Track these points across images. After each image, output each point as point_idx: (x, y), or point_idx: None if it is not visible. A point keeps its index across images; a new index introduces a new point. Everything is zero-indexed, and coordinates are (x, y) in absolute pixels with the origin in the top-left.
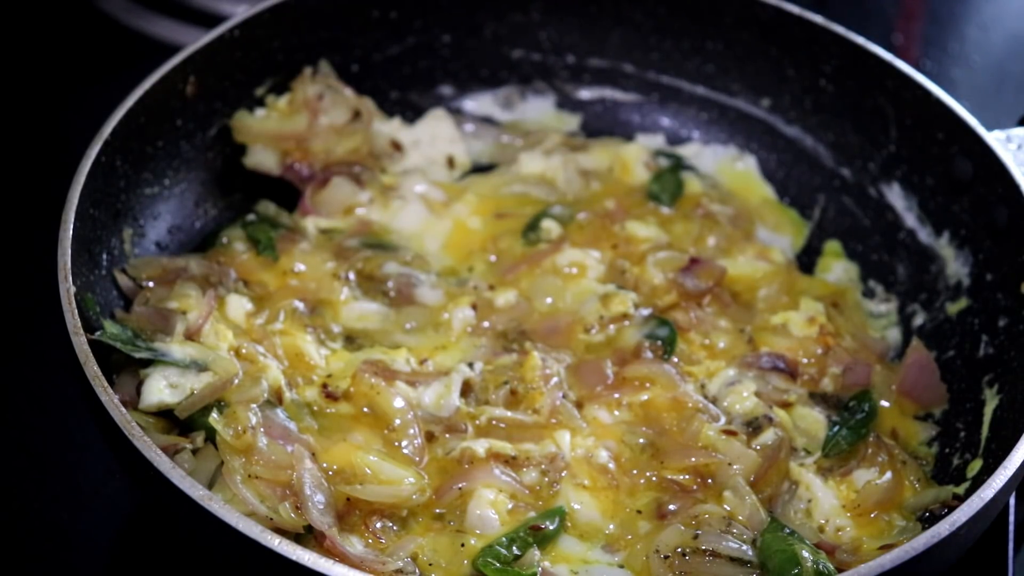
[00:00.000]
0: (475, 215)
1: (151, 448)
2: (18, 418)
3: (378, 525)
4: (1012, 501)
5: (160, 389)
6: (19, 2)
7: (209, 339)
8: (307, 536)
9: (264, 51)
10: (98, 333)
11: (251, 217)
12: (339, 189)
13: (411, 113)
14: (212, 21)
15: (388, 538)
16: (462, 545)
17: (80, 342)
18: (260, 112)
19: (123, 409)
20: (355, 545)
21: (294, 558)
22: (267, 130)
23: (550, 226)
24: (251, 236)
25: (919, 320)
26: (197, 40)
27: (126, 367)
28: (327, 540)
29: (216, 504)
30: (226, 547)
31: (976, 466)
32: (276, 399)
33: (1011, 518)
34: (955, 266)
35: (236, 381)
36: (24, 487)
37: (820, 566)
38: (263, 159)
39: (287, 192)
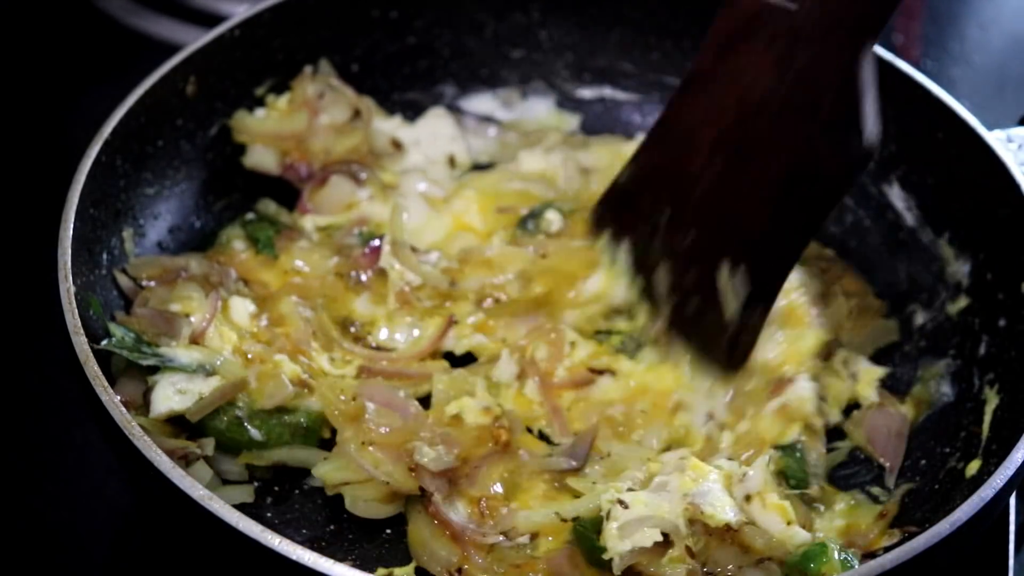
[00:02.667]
0: (476, 212)
1: (151, 448)
2: (18, 418)
3: (492, 489)
4: (1012, 501)
5: (169, 396)
6: (19, 2)
7: (213, 342)
8: (416, 499)
9: (264, 51)
10: (104, 342)
11: (250, 216)
12: (338, 188)
13: (411, 112)
14: (212, 21)
15: (494, 507)
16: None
17: (80, 342)
18: (260, 112)
19: (123, 409)
20: (460, 511)
21: (294, 558)
22: (267, 130)
23: (552, 217)
24: (250, 235)
25: (919, 320)
26: (197, 40)
27: (129, 370)
28: (432, 505)
29: (216, 504)
30: (226, 547)
31: (976, 466)
32: (304, 389)
33: (1011, 518)
34: (955, 266)
35: (252, 383)
36: (24, 487)
37: (845, 557)
38: (263, 158)
39: (287, 191)
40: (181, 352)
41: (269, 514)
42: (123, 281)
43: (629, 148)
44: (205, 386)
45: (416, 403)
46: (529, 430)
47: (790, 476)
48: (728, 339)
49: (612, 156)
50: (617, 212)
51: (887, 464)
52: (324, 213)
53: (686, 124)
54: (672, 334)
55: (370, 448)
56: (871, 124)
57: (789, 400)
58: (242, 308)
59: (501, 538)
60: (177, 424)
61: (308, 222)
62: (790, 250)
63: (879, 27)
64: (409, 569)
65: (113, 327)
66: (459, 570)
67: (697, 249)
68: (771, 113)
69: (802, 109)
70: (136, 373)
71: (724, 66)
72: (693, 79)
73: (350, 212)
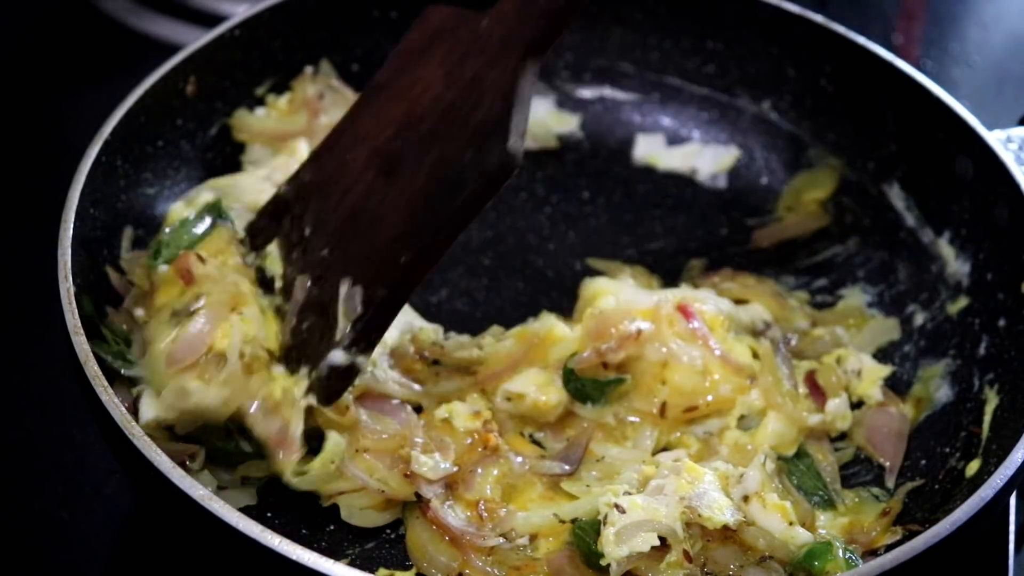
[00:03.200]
0: None
1: (151, 448)
2: (18, 418)
3: (488, 492)
4: (1012, 501)
5: (153, 404)
6: (19, 2)
7: None
8: (413, 505)
9: (264, 51)
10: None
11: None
12: None
13: None
14: (212, 21)
15: (492, 510)
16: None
17: (80, 342)
18: (260, 111)
19: (123, 409)
20: (458, 515)
21: (294, 558)
22: (267, 128)
23: None
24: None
25: (919, 320)
26: (197, 40)
27: (119, 378)
28: (430, 511)
29: (216, 504)
30: (226, 547)
31: (976, 466)
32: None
33: (1011, 518)
34: (955, 266)
35: (253, 410)
36: (24, 487)
37: (849, 555)
38: (260, 158)
39: None
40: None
41: (269, 514)
42: (115, 279)
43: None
44: None
45: (409, 408)
46: (521, 434)
47: (806, 490)
48: (323, 375)
49: None
50: (273, 223)
51: (887, 464)
52: None
53: (351, 137)
54: (290, 352)
55: (365, 455)
56: (516, 136)
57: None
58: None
59: (501, 540)
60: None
61: None
62: (410, 270)
63: (545, 49)
64: (410, 574)
65: (106, 330)
66: (460, 575)
67: (326, 265)
68: (430, 123)
69: (458, 118)
70: (124, 381)
71: (400, 80)
72: (369, 93)
73: None
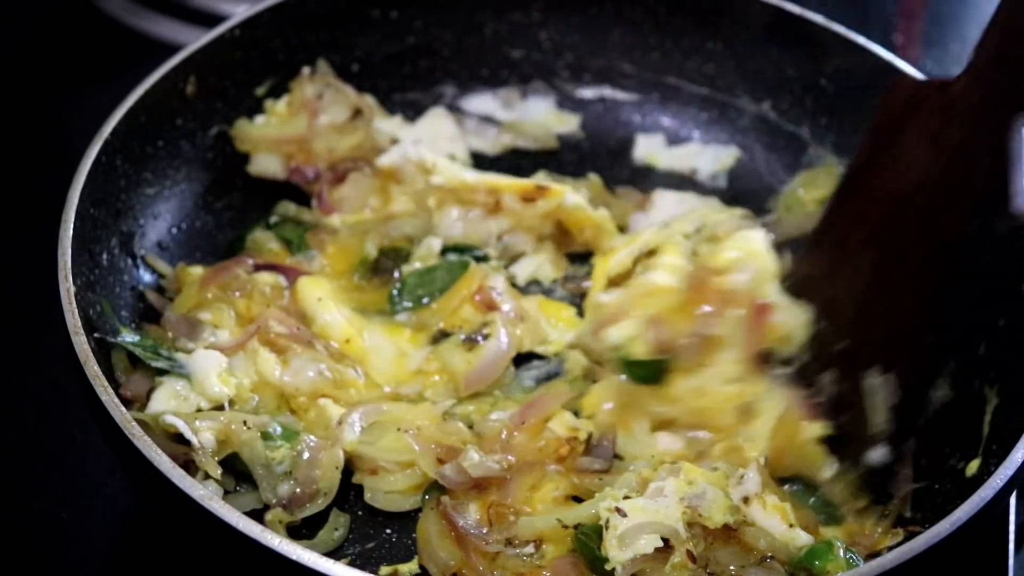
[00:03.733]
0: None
1: (151, 448)
2: (18, 418)
3: (510, 498)
4: (1012, 501)
5: (167, 399)
6: (19, 2)
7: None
8: (434, 495)
9: (264, 51)
10: (120, 338)
11: (274, 219)
12: (358, 185)
13: (411, 112)
14: (212, 21)
15: (501, 515)
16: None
17: (80, 342)
18: (260, 119)
19: (123, 409)
20: (470, 515)
21: (294, 558)
22: (268, 136)
23: None
24: (281, 237)
25: None
26: (197, 40)
27: (139, 366)
28: (441, 504)
29: (216, 504)
30: (226, 547)
31: (976, 466)
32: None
33: (1011, 518)
34: None
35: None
36: (24, 487)
37: (851, 556)
38: (267, 165)
39: (285, 191)
40: (193, 358)
41: None
42: (152, 298)
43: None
44: (202, 401)
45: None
46: None
47: (820, 513)
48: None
49: None
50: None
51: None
52: (348, 211)
53: (842, 222)
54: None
55: (407, 434)
56: (1021, 196)
57: None
58: (271, 362)
59: (503, 547)
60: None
61: (335, 220)
62: (936, 349)
63: None
64: (413, 565)
65: (125, 330)
66: (454, 575)
67: (849, 358)
68: (924, 198)
69: (953, 189)
70: (145, 370)
71: (880, 158)
72: (851, 175)
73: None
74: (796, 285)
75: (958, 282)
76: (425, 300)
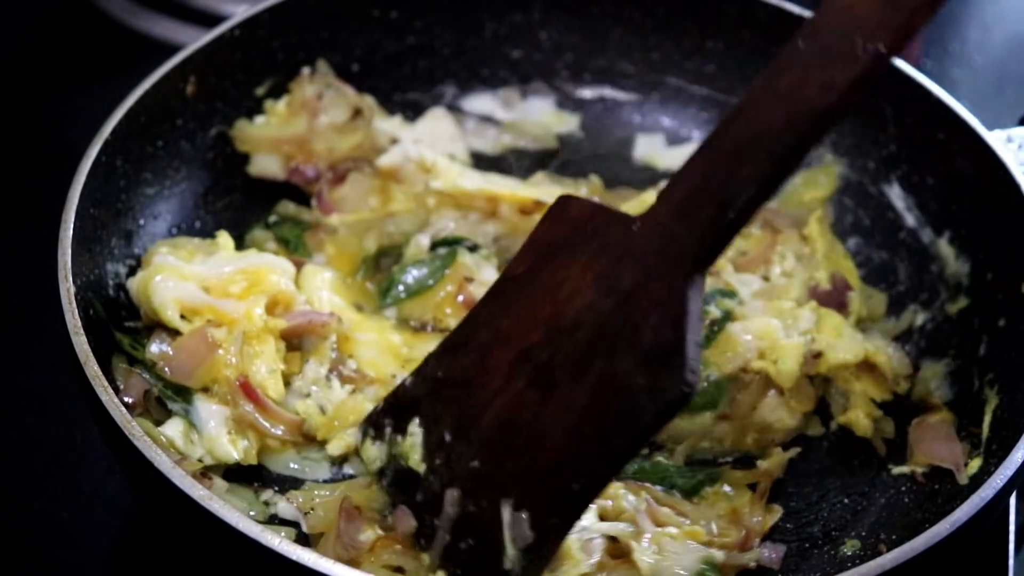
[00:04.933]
0: None
1: (151, 448)
2: (18, 418)
3: None
4: (1012, 501)
5: (175, 437)
6: (19, 2)
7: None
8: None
9: (264, 51)
10: (141, 371)
11: (273, 218)
12: (358, 184)
13: (411, 112)
14: (212, 21)
15: None
16: None
17: (80, 342)
18: (259, 119)
19: (123, 409)
20: None
21: (294, 558)
22: (268, 136)
23: None
24: (279, 236)
25: (919, 320)
26: (197, 40)
27: (139, 365)
28: None
29: (216, 504)
30: (226, 547)
31: (976, 466)
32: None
33: (1011, 518)
34: (955, 266)
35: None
36: (24, 487)
37: None
38: (267, 165)
39: (285, 191)
40: (197, 410)
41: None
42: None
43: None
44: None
45: None
46: None
47: None
48: None
49: None
50: (398, 421)
51: (953, 467)
52: (348, 210)
53: (488, 334)
54: (448, 570)
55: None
56: (692, 363)
57: None
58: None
59: None
60: None
61: (334, 220)
62: (581, 497)
63: (711, 261)
64: None
65: (120, 335)
66: None
67: (478, 479)
68: (586, 335)
69: (619, 335)
70: (143, 369)
71: (540, 277)
72: (504, 285)
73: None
74: (426, 386)
75: (614, 433)
76: (410, 294)
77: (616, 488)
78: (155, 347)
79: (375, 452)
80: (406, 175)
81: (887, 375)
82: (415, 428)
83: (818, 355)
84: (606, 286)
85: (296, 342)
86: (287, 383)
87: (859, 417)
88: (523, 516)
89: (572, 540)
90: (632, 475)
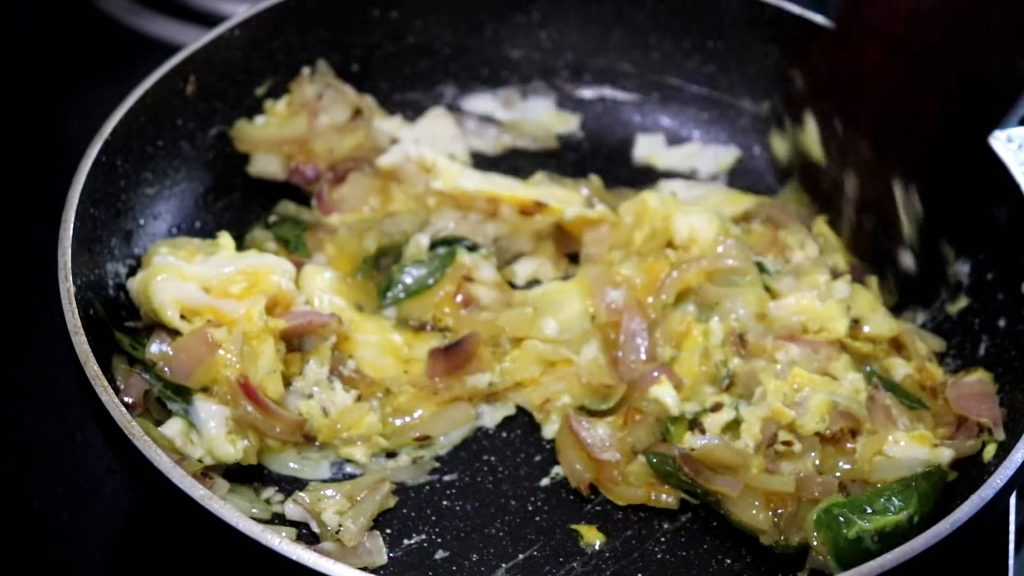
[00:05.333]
0: None
1: (151, 448)
2: (18, 418)
3: None
4: (1012, 501)
5: (174, 436)
6: (19, 2)
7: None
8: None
9: (264, 51)
10: (141, 371)
11: (273, 218)
12: (358, 184)
13: (411, 112)
14: (212, 21)
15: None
16: None
17: (80, 342)
18: (259, 119)
19: (123, 409)
20: (598, 431)
21: (294, 558)
22: (268, 136)
23: None
24: (279, 236)
25: (919, 320)
26: (197, 40)
27: (139, 365)
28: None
29: (216, 504)
30: (226, 547)
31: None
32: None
33: (1011, 518)
34: (955, 266)
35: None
36: (24, 487)
37: None
38: (266, 165)
39: (285, 191)
40: (196, 409)
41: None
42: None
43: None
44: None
45: None
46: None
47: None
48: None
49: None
50: (792, 112)
51: (989, 422)
52: (348, 210)
53: (859, 30)
54: (854, 246)
55: None
56: None
57: None
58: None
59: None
60: None
61: (334, 219)
62: (961, 169)
63: None
64: None
65: (119, 335)
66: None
67: (871, 165)
68: (942, 23)
69: (970, 21)
70: (142, 369)
71: None
72: None
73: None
74: (810, 82)
75: (975, 110)
76: (409, 294)
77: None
78: (155, 347)
79: (781, 146)
80: (406, 175)
81: (916, 354)
82: (809, 119)
83: (856, 322)
84: None
85: (296, 343)
86: (287, 384)
87: None
88: (912, 190)
89: (819, 401)
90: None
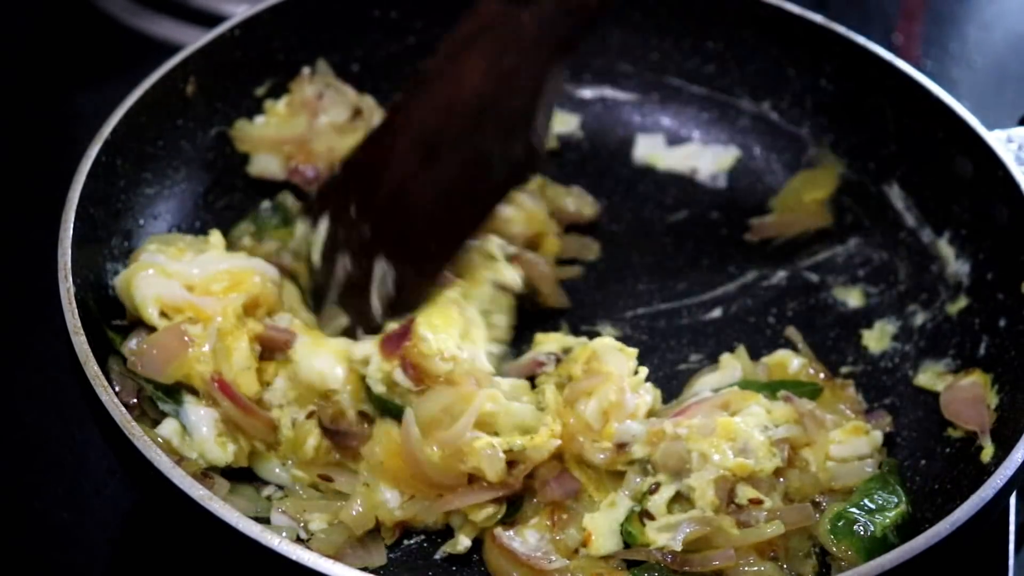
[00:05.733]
0: None
1: (151, 448)
2: (18, 418)
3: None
4: (1012, 501)
5: (170, 435)
6: (19, 2)
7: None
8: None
9: (264, 51)
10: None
11: (265, 205)
12: None
13: None
14: (212, 21)
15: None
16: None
17: (80, 342)
18: (260, 119)
19: (123, 409)
20: (528, 539)
21: (294, 558)
22: (268, 136)
23: None
24: (259, 227)
25: (919, 320)
26: (197, 40)
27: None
28: (496, 538)
29: (216, 504)
30: (226, 547)
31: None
32: None
33: (1011, 518)
34: (955, 266)
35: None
36: (24, 487)
37: None
38: (267, 165)
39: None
40: (186, 412)
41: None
42: None
43: None
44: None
45: None
46: None
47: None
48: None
49: None
50: (325, 202)
51: (977, 430)
52: None
53: (401, 120)
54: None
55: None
56: (539, 130)
57: None
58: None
59: (566, 562)
60: None
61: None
62: (437, 256)
63: (573, 47)
64: None
65: (111, 333)
66: None
67: (366, 244)
68: (470, 113)
69: (493, 110)
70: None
71: (447, 68)
72: (419, 79)
73: None
74: (348, 169)
75: (472, 195)
76: None
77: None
78: (132, 343)
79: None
80: None
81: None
82: (323, 219)
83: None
84: (494, 72)
85: (269, 353)
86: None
87: None
88: (389, 270)
89: (761, 440)
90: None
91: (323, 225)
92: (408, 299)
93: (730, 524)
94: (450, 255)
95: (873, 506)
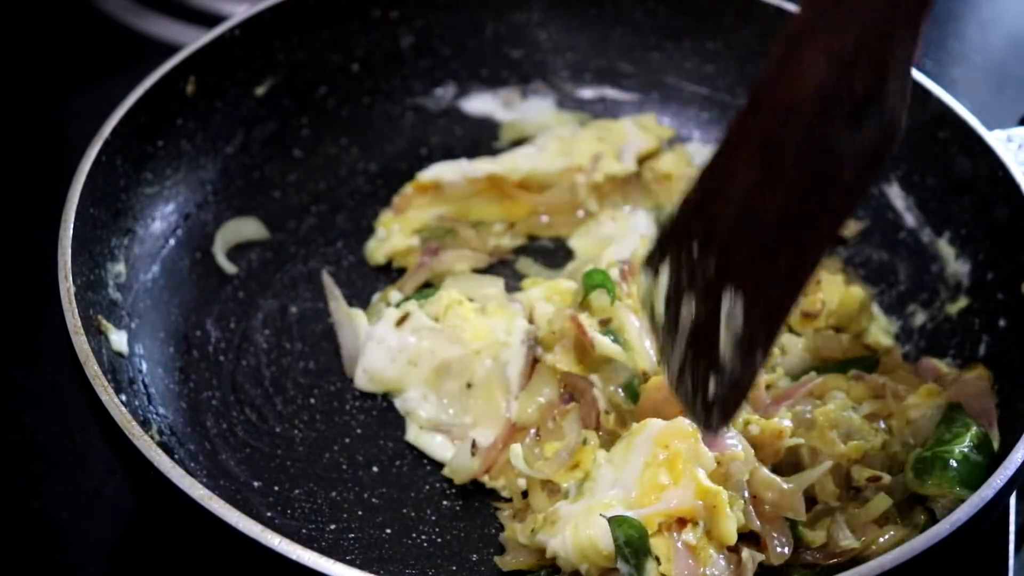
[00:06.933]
0: None
1: (151, 448)
2: (18, 418)
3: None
4: (1012, 501)
5: None
6: (19, 2)
7: None
8: None
9: (264, 51)
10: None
11: None
12: None
13: (411, 113)
14: (212, 21)
15: None
16: None
17: (80, 342)
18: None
19: (123, 409)
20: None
21: (294, 558)
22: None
23: None
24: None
25: (919, 320)
26: (197, 40)
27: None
28: None
29: (216, 504)
30: (226, 547)
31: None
32: None
33: (1011, 518)
34: (955, 266)
35: None
36: (24, 487)
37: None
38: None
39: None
40: None
41: (269, 514)
42: None
43: None
44: None
45: None
46: None
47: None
48: (711, 396)
49: None
50: (667, 244)
51: (984, 423)
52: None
53: (737, 143)
54: (671, 381)
55: None
56: (893, 107)
57: None
58: None
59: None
60: None
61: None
62: (791, 277)
63: (923, 16)
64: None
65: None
66: None
67: (711, 281)
68: (811, 108)
69: (836, 100)
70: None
71: (781, 74)
72: (757, 87)
73: None
74: (685, 207)
75: (819, 199)
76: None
77: None
78: None
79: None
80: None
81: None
82: (664, 268)
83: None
84: (836, 59)
85: None
86: None
87: None
88: (739, 301)
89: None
90: None
91: (664, 273)
92: (759, 333)
93: (851, 509)
94: (804, 276)
95: (948, 437)
